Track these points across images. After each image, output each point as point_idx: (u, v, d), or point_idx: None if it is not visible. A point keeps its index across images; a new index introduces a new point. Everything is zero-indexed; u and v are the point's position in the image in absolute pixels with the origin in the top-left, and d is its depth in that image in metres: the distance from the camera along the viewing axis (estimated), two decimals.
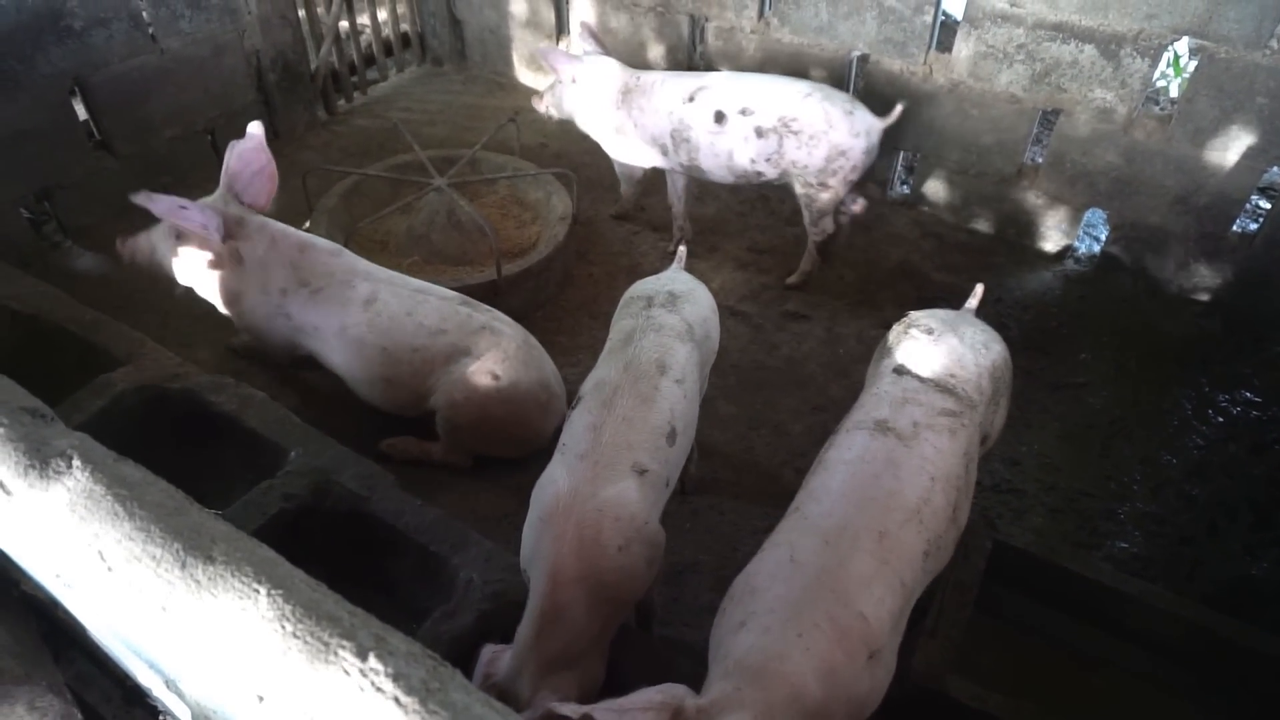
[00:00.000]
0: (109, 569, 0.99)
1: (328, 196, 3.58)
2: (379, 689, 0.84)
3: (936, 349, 2.07)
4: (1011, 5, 3.32)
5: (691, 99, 3.27)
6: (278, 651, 0.89)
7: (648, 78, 3.42)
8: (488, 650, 1.85)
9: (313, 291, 2.67)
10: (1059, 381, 3.21)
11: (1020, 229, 3.80)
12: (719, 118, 3.22)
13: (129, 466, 1.09)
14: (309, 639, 0.88)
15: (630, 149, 3.55)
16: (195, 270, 2.76)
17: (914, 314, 2.25)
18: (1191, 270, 3.49)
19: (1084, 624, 2.24)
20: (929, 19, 3.52)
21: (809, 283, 3.61)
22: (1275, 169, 3.22)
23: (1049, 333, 3.41)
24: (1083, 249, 3.80)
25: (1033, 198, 3.70)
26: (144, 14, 3.61)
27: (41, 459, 1.07)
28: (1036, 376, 3.23)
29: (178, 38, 3.74)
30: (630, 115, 3.42)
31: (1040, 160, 3.66)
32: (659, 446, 2.02)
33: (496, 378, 2.61)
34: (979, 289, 2.38)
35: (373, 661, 0.86)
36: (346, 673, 0.86)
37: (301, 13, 4.25)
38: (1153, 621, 2.15)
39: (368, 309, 2.65)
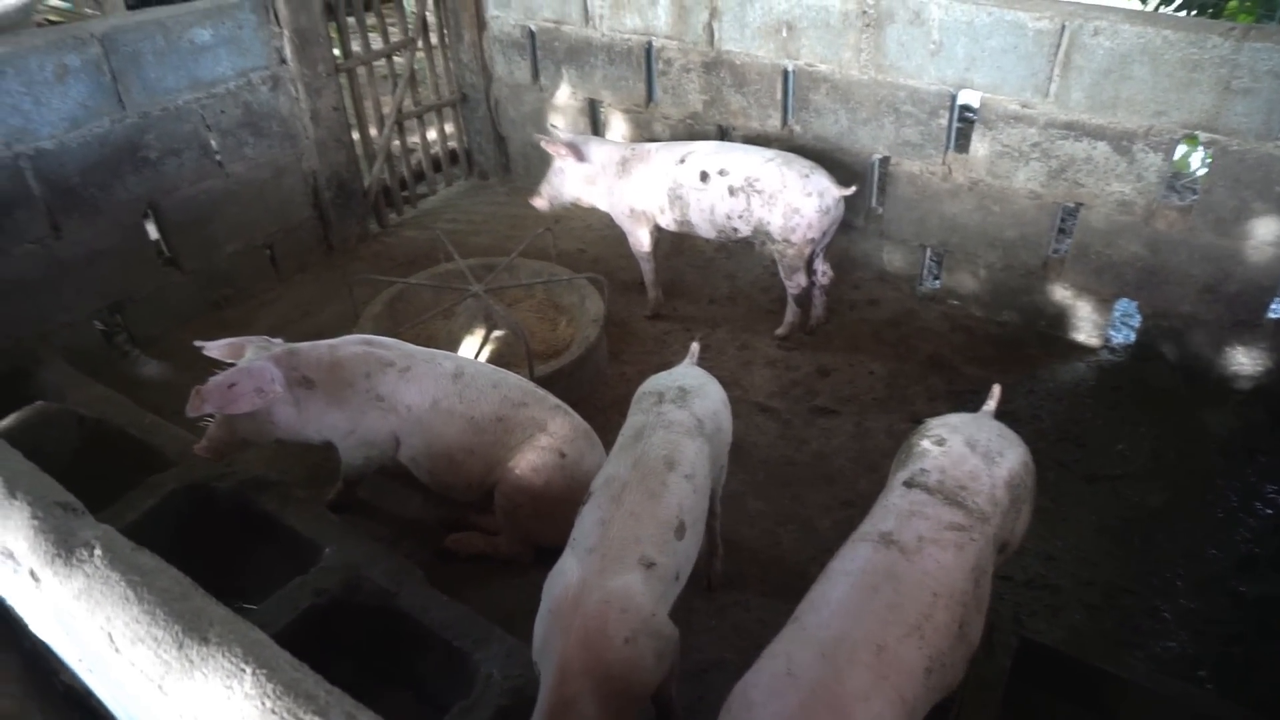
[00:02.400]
0: (117, 650, 1.07)
1: (373, 304, 3.78)
2: None
3: (947, 459, 2.06)
4: (1023, 106, 3.43)
5: (682, 161, 3.73)
6: None
7: (643, 148, 3.89)
8: None
9: (400, 370, 2.76)
10: (1095, 473, 3.16)
11: (1050, 320, 3.81)
12: (703, 177, 3.66)
13: (145, 556, 1.18)
14: (285, 715, 0.94)
15: (632, 213, 3.91)
16: (275, 425, 2.74)
17: (930, 421, 2.26)
18: (1229, 358, 3.44)
19: None
20: (944, 122, 3.64)
21: (795, 335, 3.94)
22: None
23: (1083, 424, 3.37)
24: (1118, 339, 3.78)
25: (1060, 289, 3.72)
26: (213, 143, 3.95)
27: (68, 548, 1.17)
28: (1071, 468, 3.18)
29: (242, 162, 4.07)
30: (631, 180, 3.83)
31: (1065, 253, 3.69)
32: (667, 540, 2.05)
33: (564, 455, 2.70)
34: (995, 390, 2.39)
35: None
36: None
37: (355, 135, 4.58)
38: None
39: (457, 381, 2.77)
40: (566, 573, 1.99)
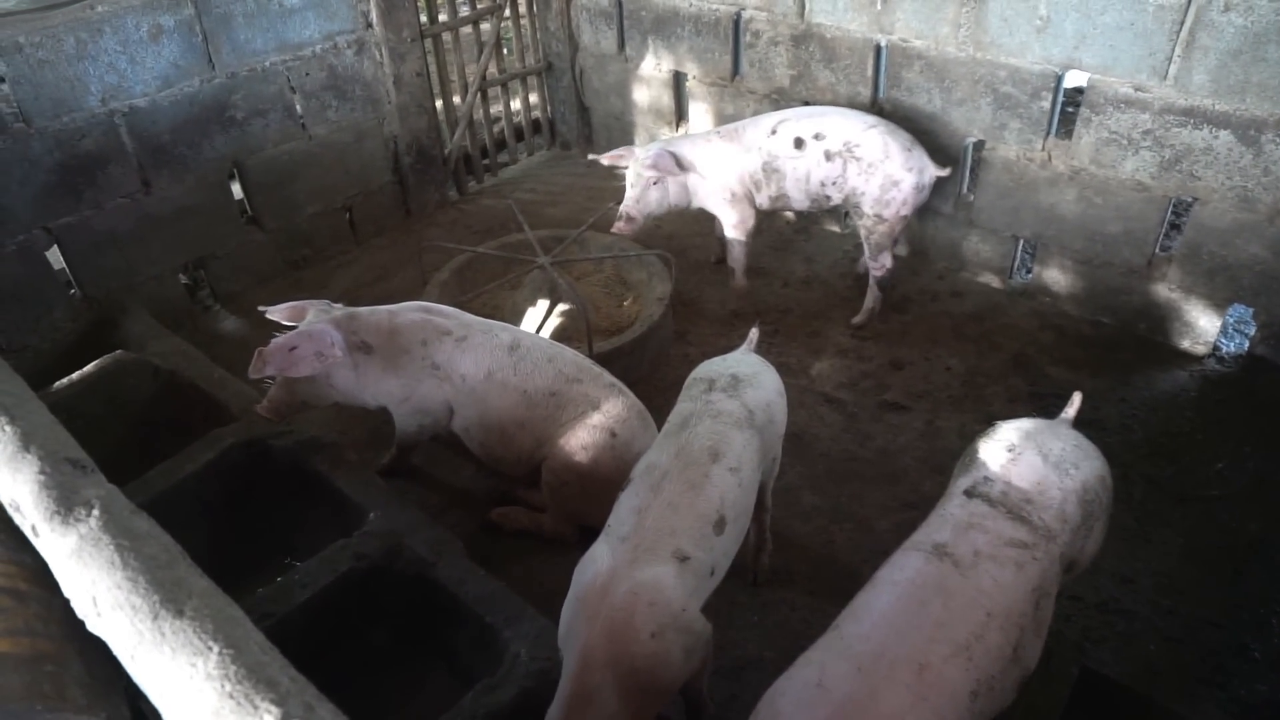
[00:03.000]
0: (99, 614, 1.06)
1: (442, 271, 3.79)
2: None
3: (1015, 469, 1.91)
4: (1136, 90, 3.15)
5: (774, 132, 3.58)
6: (212, 710, 0.91)
7: (729, 128, 3.73)
8: None
9: (457, 340, 2.76)
10: (1188, 493, 2.91)
11: (1152, 324, 3.52)
12: (798, 143, 3.52)
13: (141, 520, 1.17)
14: (242, 700, 0.91)
15: (733, 198, 3.74)
16: (333, 388, 2.78)
17: (1001, 424, 2.10)
18: None
19: None
20: (1047, 105, 3.39)
21: (873, 323, 3.77)
22: None
23: (1180, 438, 3.11)
24: (1229, 348, 3.47)
25: (1165, 290, 3.43)
26: (297, 106, 4.01)
27: (68, 506, 1.17)
28: (1161, 486, 2.93)
29: (325, 125, 4.12)
30: (725, 163, 3.69)
31: (1174, 251, 3.40)
32: (704, 534, 1.97)
33: (615, 435, 2.66)
34: (1076, 397, 2.20)
35: None
36: None
37: (438, 101, 4.58)
38: None
39: (512, 354, 2.75)
40: (597, 560, 1.94)
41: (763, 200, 3.72)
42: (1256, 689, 2.34)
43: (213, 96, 3.73)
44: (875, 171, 3.41)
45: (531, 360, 2.76)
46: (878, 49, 3.79)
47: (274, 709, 0.90)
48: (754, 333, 2.56)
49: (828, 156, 3.48)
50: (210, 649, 0.97)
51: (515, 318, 3.64)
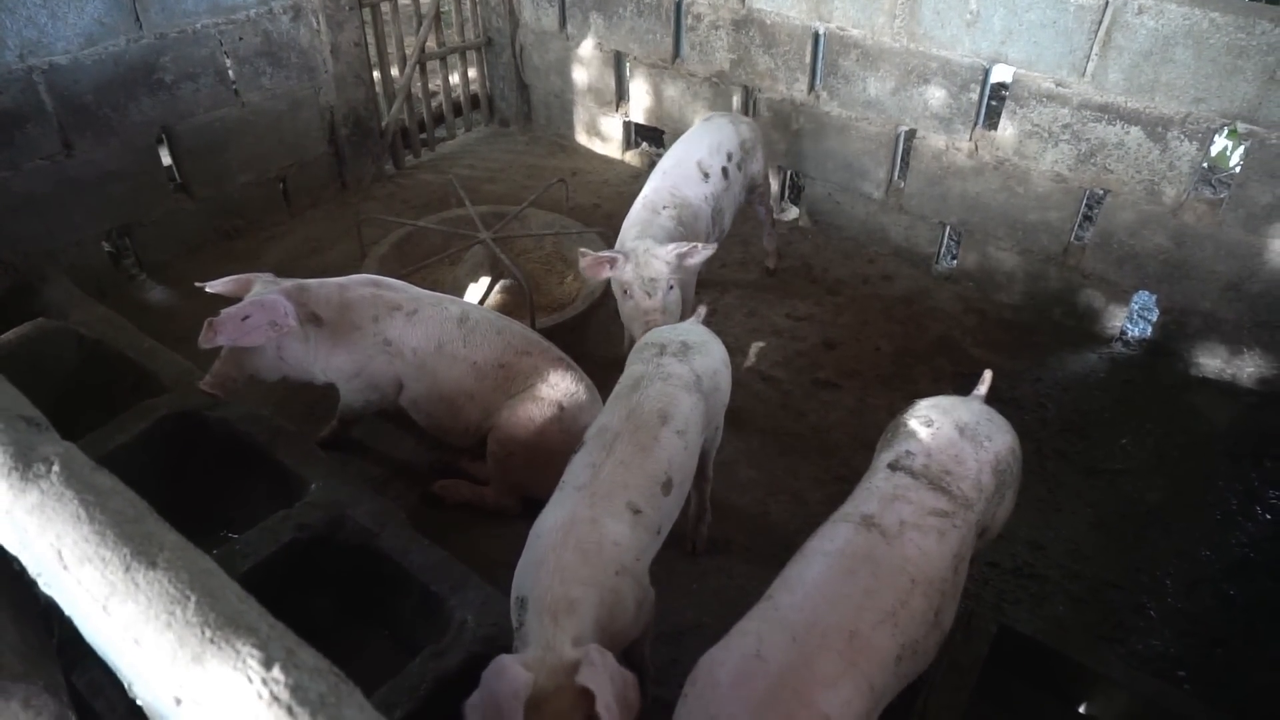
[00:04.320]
0: (65, 567, 1.06)
1: (380, 245, 3.75)
2: (276, 698, 0.88)
3: (934, 442, 2.01)
4: (1057, 85, 3.32)
5: (706, 177, 3.42)
6: (193, 655, 0.93)
7: (676, 195, 3.29)
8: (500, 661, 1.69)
9: (408, 314, 2.75)
10: (1095, 466, 3.11)
11: (1065, 309, 3.73)
12: (724, 172, 3.52)
13: (103, 476, 1.17)
14: (223, 645, 0.93)
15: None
16: (283, 360, 2.73)
17: (919, 402, 2.21)
18: (1246, 359, 3.36)
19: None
20: (975, 97, 3.54)
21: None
22: None
23: (1089, 415, 3.32)
24: (1134, 332, 3.70)
25: (1079, 277, 3.64)
26: (229, 70, 3.90)
27: (25, 462, 1.16)
28: (1071, 459, 3.13)
29: (258, 92, 4.02)
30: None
31: (1087, 240, 3.60)
32: (654, 493, 2.04)
33: (562, 408, 2.69)
34: (987, 375, 2.34)
35: (276, 672, 0.90)
36: (249, 680, 0.90)
37: (376, 73, 4.51)
38: None
39: (462, 326, 2.76)
40: (556, 507, 1.98)
41: (721, 231, 3.59)
42: (1151, 644, 2.54)
43: (140, 57, 3.60)
44: (756, 150, 3.65)
45: (481, 333, 2.78)
46: (816, 36, 3.89)
47: (256, 652, 0.92)
48: (702, 309, 2.64)
49: (725, 174, 3.49)
50: (188, 597, 0.99)
51: (456, 293, 3.63)
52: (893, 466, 1.97)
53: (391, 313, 2.76)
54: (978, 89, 3.52)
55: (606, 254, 2.96)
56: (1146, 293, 3.56)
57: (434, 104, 5.04)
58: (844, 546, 1.78)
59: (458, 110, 5.14)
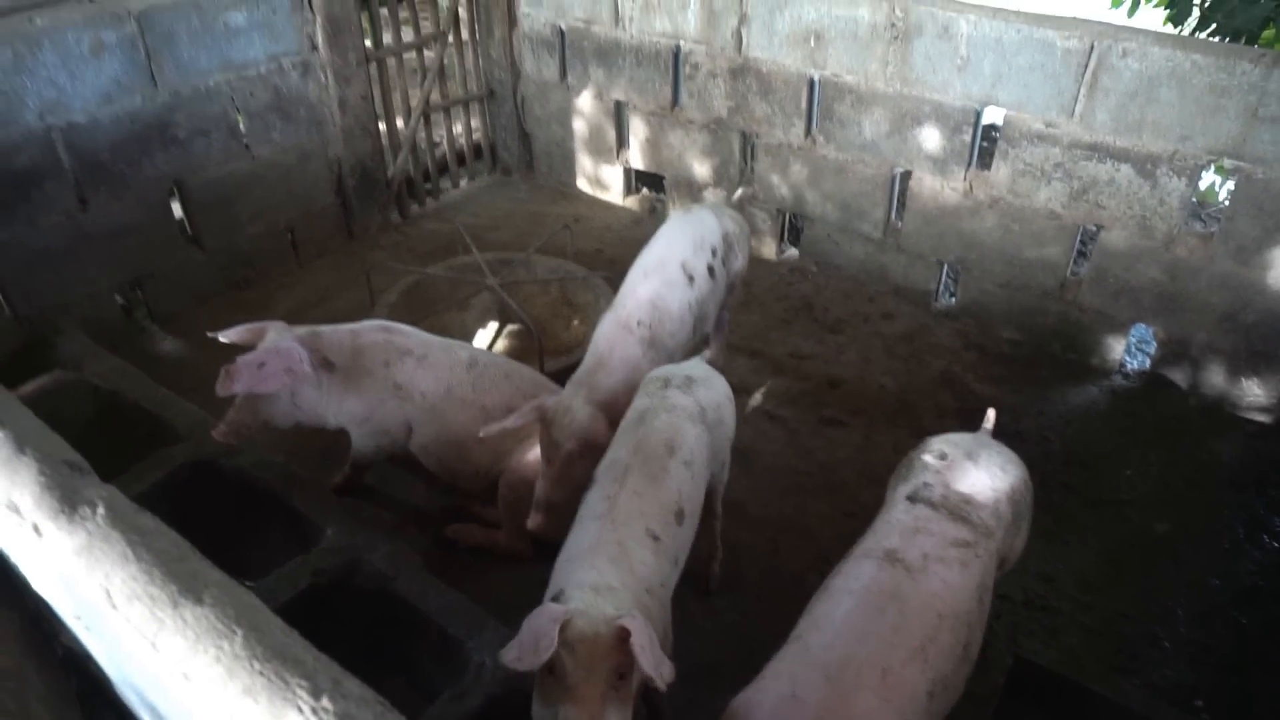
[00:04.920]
0: (114, 606, 1.09)
1: (389, 292, 3.81)
2: None
3: (951, 474, 2.06)
4: (1047, 126, 3.42)
5: (691, 280, 3.04)
6: (243, 687, 0.96)
7: (657, 307, 2.94)
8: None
9: (418, 359, 2.80)
10: (1101, 498, 3.14)
11: (1065, 343, 3.79)
12: (690, 280, 3.04)
13: (146, 518, 1.21)
14: (273, 677, 0.96)
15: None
16: (298, 406, 2.76)
17: (930, 439, 2.26)
18: (1245, 389, 3.41)
19: None
20: (968, 138, 3.64)
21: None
22: None
23: (1092, 448, 3.35)
24: (1133, 365, 3.75)
25: (1076, 312, 3.70)
26: (241, 125, 4.00)
27: (72, 505, 1.20)
28: (1077, 491, 3.16)
29: (268, 146, 4.12)
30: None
31: (1083, 275, 3.67)
32: (668, 522, 2.08)
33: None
34: (990, 414, 2.41)
35: (325, 701, 0.93)
36: (299, 709, 0.93)
37: (382, 125, 4.62)
38: None
39: (471, 371, 2.81)
40: (580, 535, 2.02)
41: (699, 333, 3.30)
42: (1166, 674, 2.55)
43: (155, 115, 3.70)
44: (739, 244, 3.29)
45: (489, 377, 2.83)
46: (811, 83, 4.00)
47: (305, 682, 0.95)
48: (706, 351, 2.70)
49: (712, 271, 3.13)
50: (235, 632, 1.02)
51: (464, 339, 3.68)
52: (912, 499, 2.01)
53: (402, 357, 2.81)
54: (970, 130, 3.62)
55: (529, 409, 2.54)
56: (1144, 325, 3.62)
57: (438, 154, 5.15)
58: (870, 584, 1.80)
59: (461, 160, 5.25)
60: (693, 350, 3.18)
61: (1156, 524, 3.03)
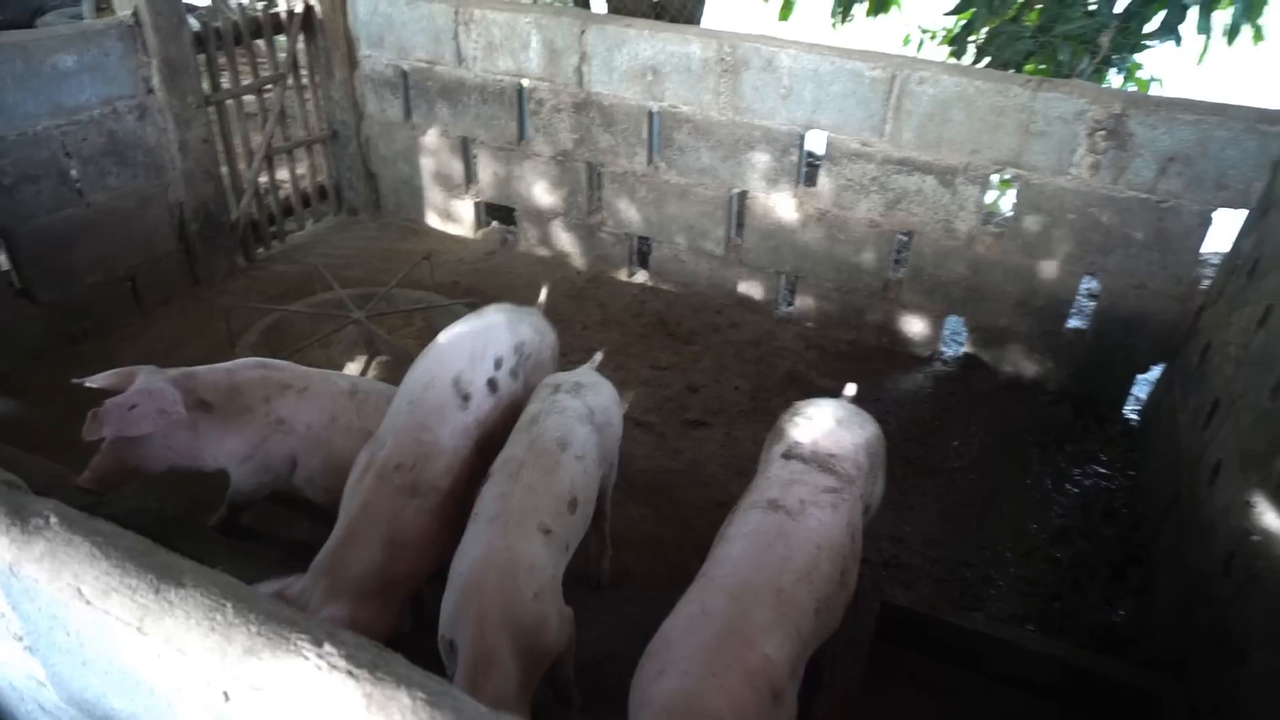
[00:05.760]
0: (88, 602, 1.14)
1: (249, 333, 3.76)
2: (334, 667, 1.01)
3: (817, 433, 2.36)
4: (862, 145, 3.87)
5: (466, 400, 2.53)
6: (243, 649, 1.05)
7: (420, 445, 2.46)
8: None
9: (299, 392, 2.78)
10: (935, 467, 3.56)
11: (892, 336, 4.25)
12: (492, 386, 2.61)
13: (100, 522, 1.25)
14: (272, 635, 1.05)
15: None
16: (170, 450, 2.68)
17: (797, 404, 2.57)
18: (1039, 364, 3.96)
19: (969, 672, 2.47)
20: (795, 159, 4.04)
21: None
22: (1088, 277, 3.75)
23: (924, 425, 3.79)
24: (949, 351, 4.25)
25: (899, 308, 4.17)
26: (73, 171, 3.84)
27: (23, 518, 1.22)
28: (915, 464, 3.56)
29: (104, 192, 3.96)
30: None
31: (902, 275, 4.14)
32: (561, 512, 2.24)
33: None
34: (850, 386, 2.75)
35: (328, 647, 1.03)
36: (305, 657, 1.02)
37: (224, 168, 4.54)
38: (1026, 663, 2.39)
39: (353, 397, 2.83)
40: (473, 542, 2.14)
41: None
42: (1002, 607, 2.94)
43: None
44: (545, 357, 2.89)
45: (373, 403, 2.87)
46: (651, 114, 4.31)
47: (304, 634, 1.05)
48: (598, 356, 2.89)
49: (494, 387, 2.61)
50: (224, 604, 1.09)
51: None
52: (786, 456, 2.28)
53: (283, 391, 2.80)
54: (797, 152, 4.03)
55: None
56: (955, 316, 4.12)
57: (282, 196, 5.08)
58: (758, 526, 2.06)
59: (306, 201, 5.20)
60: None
61: (982, 484, 3.47)
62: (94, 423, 2.45)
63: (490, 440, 2.54)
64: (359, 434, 2.81)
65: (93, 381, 2.64)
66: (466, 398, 2.50)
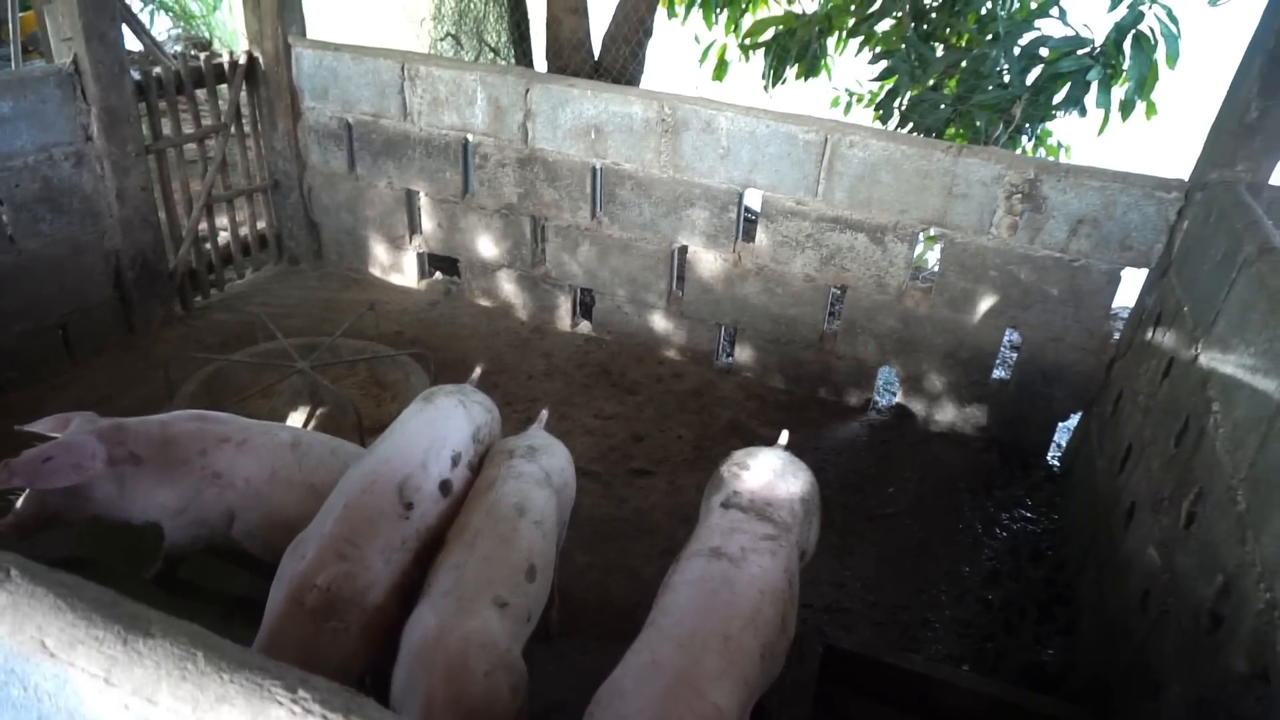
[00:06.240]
0: (52, 655, 1.13)
1: (188, 382, 3.70)
2: (309, 712, 1.03)
3: (754, 483, 2.44)
4: (797, 204, 4.05)
5: (409, 510, 2.37)
6: (216, 696, 1.06)
7: (330, 574, 2.22)
8: None
9: (237, 444, 2.73)
10: (873, 513, 3.68)
11: (829, 387, 4.40)
12: (445, 490, 2.46)
13: (63, 574, 1.24)
14: (244, 682, 1.07)
15: None
16: (93, 501, 2.62)
17: (734, 453, 2.65)
18: (967, 413, 4.14)
19: (909, 713, 2.55)
20: (733, 216, 4.20)
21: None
22: (1010, 330, 3.97)
23: (860, 472, 3.92)
24: (882, 401, 4.42)
25: (834, 360, 4.32)
26: (3, 217, 3.75)
27: None
28: (853, 510, 3.68)
29: (37, 239, 3.88)
30: None
31: (836, 327, 4.31)
32: (519, 583, 2.22)
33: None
34: (784, 434, 2.85)
35: (301, 693, 1.05)
36: (280, 703, 1.04)
37: (162, 214, 4.49)
38: (961, 700, 2.48)
39: (295, 450, 2.76)
40: (424, 618, 2.11)
41: None
42: (939, 648, 3.04)
43: None
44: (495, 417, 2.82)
45: (315, 455, 2.83)
46: (594, 171, 4.44)
47: (276, 681, 1.06)
48: (544, 414, 2.93)
49: (447, 490, 2.49)
50: (194, 653, 1.10)
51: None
52: (725, 505, 2.35)
53: (220, 444, 2.76)
54: (735, 209, 4.19)
55: None
56: (887, 367, 4.29)
57: (221, 245, 5.03)
58: (702, 574, 2.11)
59: (246, 250, 5.16)
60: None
61: (916, 529, 3.60)
62: (5, 472, 2.40)
63: (436, 548, 2.34)
64: (300, 488, 2.77)
65: (34, 426, 2.59)
66: (410, 506, 2.31)
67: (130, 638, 1.14)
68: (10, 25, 6.97)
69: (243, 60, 4.75)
